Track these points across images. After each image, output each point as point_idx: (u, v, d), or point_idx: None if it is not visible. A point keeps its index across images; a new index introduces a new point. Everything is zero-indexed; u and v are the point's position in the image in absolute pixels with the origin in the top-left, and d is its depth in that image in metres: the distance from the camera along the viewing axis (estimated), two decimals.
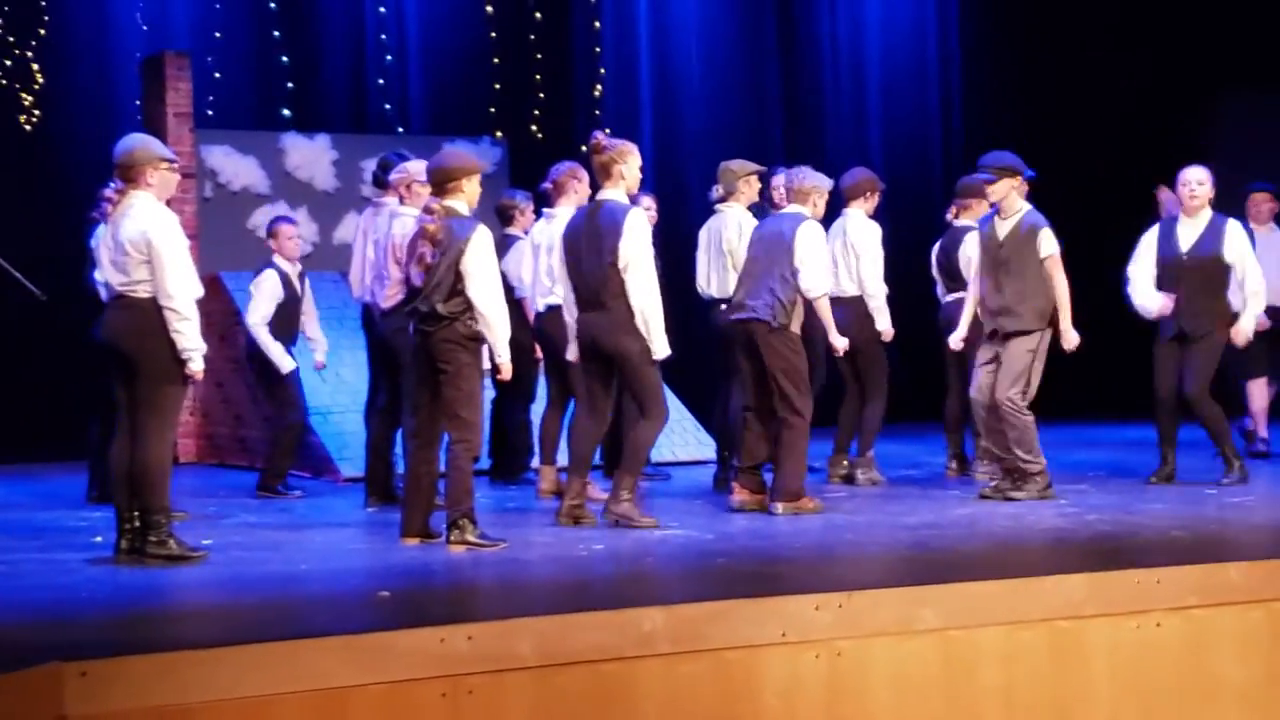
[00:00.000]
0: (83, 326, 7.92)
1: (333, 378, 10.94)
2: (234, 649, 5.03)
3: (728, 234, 9.60)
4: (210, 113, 13.32)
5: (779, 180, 9.79)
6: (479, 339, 7.45)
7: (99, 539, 7.87)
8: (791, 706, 5.71)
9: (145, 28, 13.42)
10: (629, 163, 8.16)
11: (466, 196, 7.53)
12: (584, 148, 8.25)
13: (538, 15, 14.89)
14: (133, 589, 6.44)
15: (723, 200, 9.69)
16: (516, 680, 5.33)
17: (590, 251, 8.05)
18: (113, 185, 7.12)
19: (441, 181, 7.53)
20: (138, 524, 7.06)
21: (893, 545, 7.46)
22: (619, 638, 5.49)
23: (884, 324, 9.83)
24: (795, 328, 8.60)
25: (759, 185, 9.77)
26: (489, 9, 14.72)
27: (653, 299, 8.03)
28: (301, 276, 10.18)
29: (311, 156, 13.31)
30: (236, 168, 12.90)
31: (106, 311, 7.18)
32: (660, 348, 8.02)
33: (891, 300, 10.00)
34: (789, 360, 8.53)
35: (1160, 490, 9.23)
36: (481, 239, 7.39)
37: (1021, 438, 8.78)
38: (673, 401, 11.56)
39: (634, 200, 8.83)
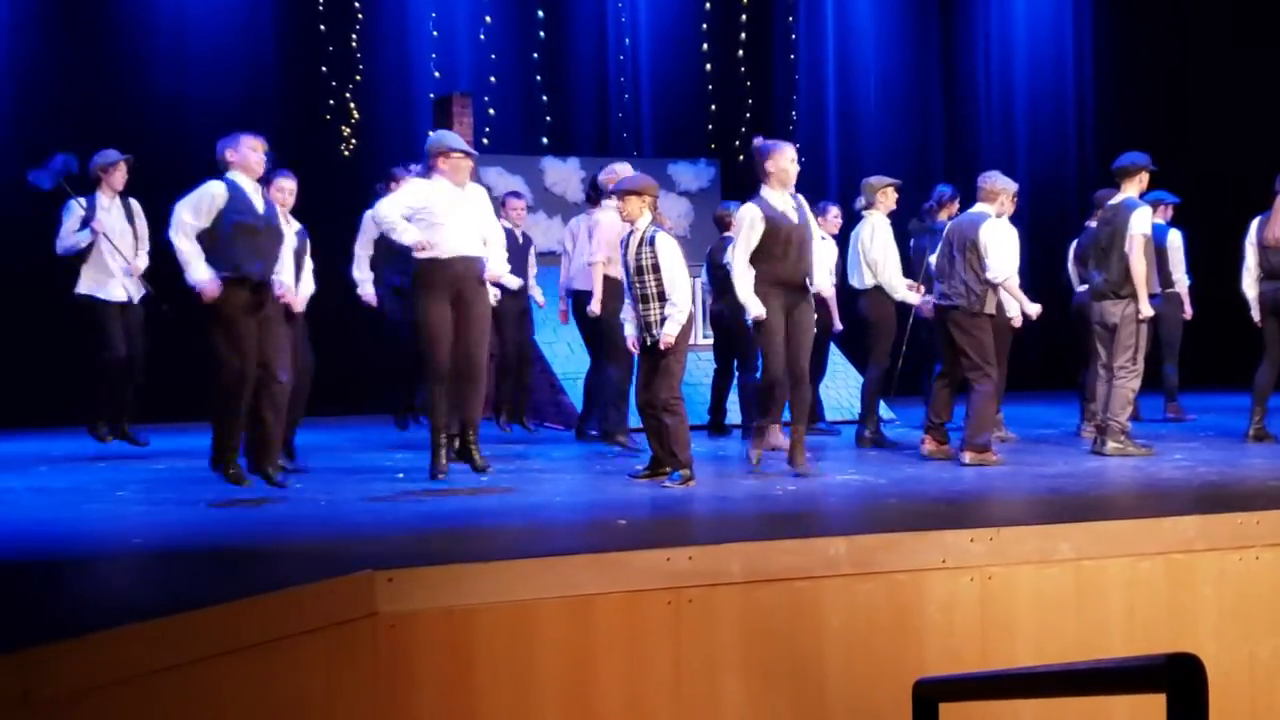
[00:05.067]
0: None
1: (580, 349, 11.01)
2: (506, 562, 5.11)
3: (863, 235, 9.49)
4: (486, 140, 13.56)
5: (833, 210, 10.07)
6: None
7: (401, 475, 8.09)
8: (950, 620, 5.65)
9: (437, 74, 13.73)
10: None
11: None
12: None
13: (742, 53, 14.87)
14: (429, 514, 6.57)
15: (866, 208, 9.58)
16: (726, 593, 5.34)
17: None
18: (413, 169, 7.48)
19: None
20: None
21: (1034, 490, 7.32)
22: (809, 560, 5.49)
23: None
24: (989, 309, 8.30)
25: (895, 195, 9.59)
26: (704, 46, 14.76)
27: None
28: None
29: (565, 175, 13.47)
30: (507, 184, 13.09)
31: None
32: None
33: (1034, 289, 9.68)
34: (977, 337, 8.28)
35: (1259, 448, 8.90)
36: None
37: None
38: (848, 369, 11.46)
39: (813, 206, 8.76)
